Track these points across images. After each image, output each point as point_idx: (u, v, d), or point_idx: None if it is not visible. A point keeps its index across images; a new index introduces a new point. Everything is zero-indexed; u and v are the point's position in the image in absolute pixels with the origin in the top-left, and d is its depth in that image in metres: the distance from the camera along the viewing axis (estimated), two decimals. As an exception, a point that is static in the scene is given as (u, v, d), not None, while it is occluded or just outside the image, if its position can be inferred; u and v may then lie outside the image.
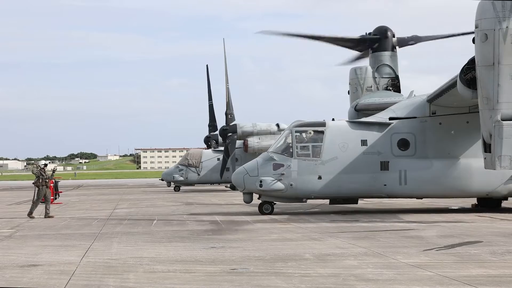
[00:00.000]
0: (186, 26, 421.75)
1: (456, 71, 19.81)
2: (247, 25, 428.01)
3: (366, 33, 27.93)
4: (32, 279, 10.97)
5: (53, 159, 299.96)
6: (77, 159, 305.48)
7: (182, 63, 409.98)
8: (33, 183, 25.48)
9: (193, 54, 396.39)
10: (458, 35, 27.29)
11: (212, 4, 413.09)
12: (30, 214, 24.49)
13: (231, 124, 43.04)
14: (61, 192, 36.73)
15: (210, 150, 50.45)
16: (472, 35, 18.18)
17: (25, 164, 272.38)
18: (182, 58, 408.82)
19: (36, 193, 24.95)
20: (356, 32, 27.91)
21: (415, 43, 28.37)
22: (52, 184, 34.49)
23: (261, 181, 23.33)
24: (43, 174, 25.19)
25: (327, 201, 24.79)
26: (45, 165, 26.09)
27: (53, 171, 27.51)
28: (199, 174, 48.85)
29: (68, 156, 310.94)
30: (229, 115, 42.93)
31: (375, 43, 27.63)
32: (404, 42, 28.13)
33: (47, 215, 24.34)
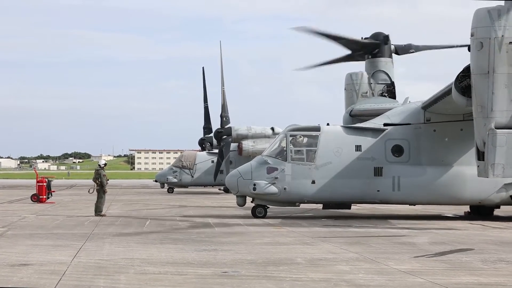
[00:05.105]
0: (185, 28, 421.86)
1: (452, 78, 19.87)
2: (247, 28, 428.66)
3: (362, 38, 27.91)
4: (22, 278, 10.93)
5: (47, 158, 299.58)
6: (70, 158, 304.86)
7: (179, 65, 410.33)
8: (98, 181, 25.37)
9: (191, 55, 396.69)
10: (457, 46, 27.25)
11: (211, 5, 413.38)
12: (100, 212, 24.78)
13: (226, 126, 43.00)
14: (53, 191, 36.59)
15: (204, 153, 50.40)
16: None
17: (18, 162, 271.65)
18: (180, 60, 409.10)
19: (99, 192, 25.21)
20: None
21: (415, 52, 28.39)
22: (45, 184, 34.53)
23: (254, 185, 23.32)
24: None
25: (320, 206, 24.80)
26: (105, 164, 26.02)
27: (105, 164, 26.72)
28: (192, 176, 48.81)
29: (62, 155, 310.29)
30: (224, 117, 42.88)
31: (375, 49, 27.55)
32: (404, 50, 28.13)
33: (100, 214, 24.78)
